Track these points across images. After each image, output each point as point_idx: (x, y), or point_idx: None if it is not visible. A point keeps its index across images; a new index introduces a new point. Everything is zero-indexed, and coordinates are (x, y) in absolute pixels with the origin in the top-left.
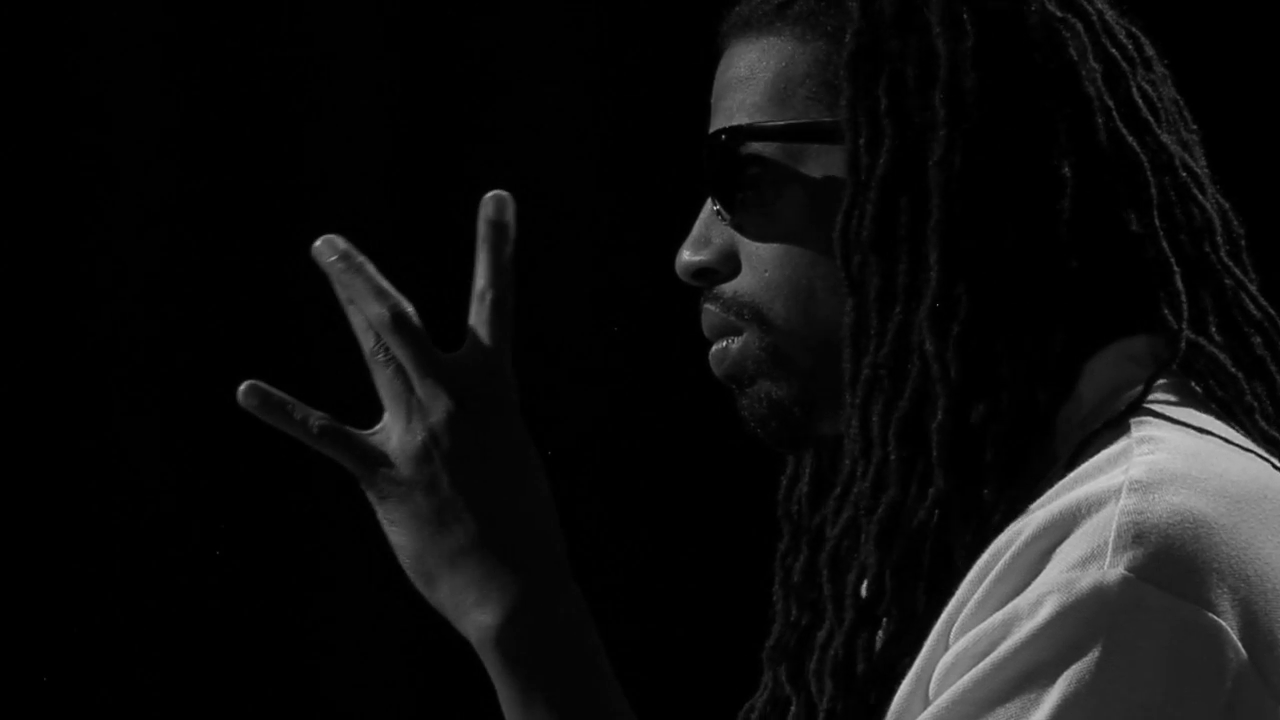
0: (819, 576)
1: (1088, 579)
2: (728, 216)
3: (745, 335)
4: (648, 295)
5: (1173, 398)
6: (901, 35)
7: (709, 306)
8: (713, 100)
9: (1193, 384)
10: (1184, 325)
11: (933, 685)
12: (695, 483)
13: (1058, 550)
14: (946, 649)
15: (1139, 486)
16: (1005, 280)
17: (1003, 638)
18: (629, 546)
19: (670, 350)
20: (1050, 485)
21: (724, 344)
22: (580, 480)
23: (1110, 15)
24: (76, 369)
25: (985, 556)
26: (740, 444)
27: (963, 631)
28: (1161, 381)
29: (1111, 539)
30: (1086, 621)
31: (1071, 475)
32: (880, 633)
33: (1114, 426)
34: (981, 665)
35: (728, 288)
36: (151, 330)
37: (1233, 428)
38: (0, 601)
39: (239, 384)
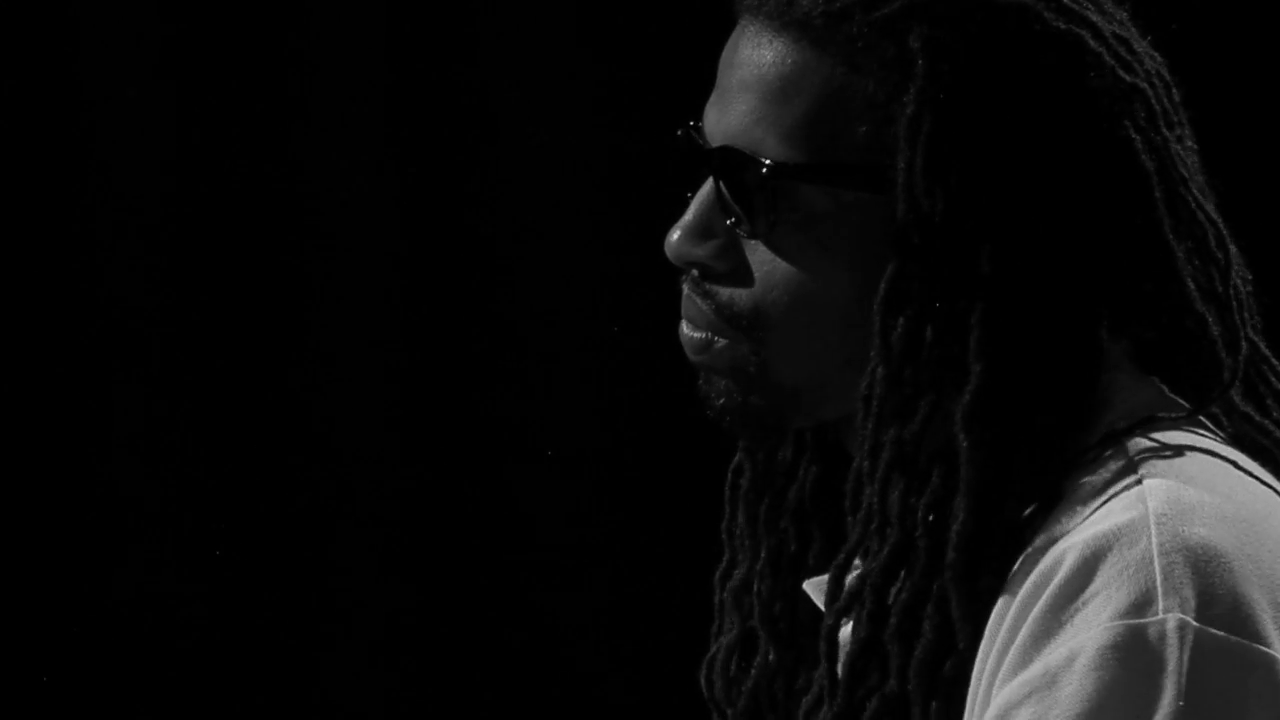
0: (818, 647)
1: (1148, 629)
2: (746, 229)
3: (734, 340)
4: (648, 293)
5: (1176, 429)
6: (967, 101)
7: (697, 300)
8: (726, 79)
9: (1214, 426)
10: (1240, 402)
11: None
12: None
13: (1096, 593)
14: (988, 697)
15: (1166, 520)
16: (1062, 373)
17: (1058, 691)
18: (640, 546)
19: (672, 348)
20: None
21: (705, 335)
22: (588, 480)
23: (1156, 69)
24: (76, 367)
25: (1021, 595)
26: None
27: (1007, 679)
28: (1173, 416)
29: (1159, 582)
30: (1152, 674)
31: (1078, 497)
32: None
33: (1109, 444)
34: None
35: (725, 292)
36: (150, 328)
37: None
38: (0, 601)
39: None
